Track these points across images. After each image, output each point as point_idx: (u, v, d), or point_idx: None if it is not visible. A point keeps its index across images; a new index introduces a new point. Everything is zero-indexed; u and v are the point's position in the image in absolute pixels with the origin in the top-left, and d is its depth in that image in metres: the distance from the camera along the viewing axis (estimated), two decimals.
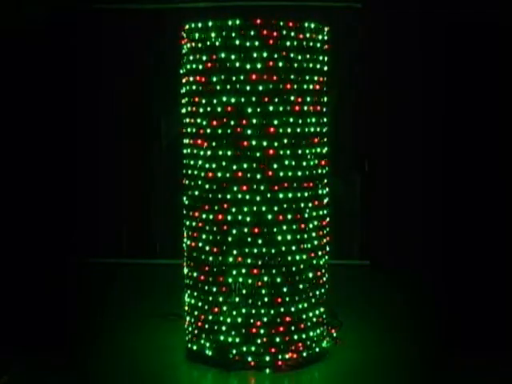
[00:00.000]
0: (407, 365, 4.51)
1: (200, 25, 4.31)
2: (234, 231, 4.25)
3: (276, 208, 4.24)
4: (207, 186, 4.32)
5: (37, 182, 6.85)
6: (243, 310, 4.27)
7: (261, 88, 4.18)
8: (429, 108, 6.80)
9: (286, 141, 4.25)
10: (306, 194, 4.35)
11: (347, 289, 6.05)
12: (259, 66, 4.17)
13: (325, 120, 4.52)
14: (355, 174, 7.19)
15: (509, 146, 6.61)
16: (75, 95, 7.03)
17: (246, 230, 4.24)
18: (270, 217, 4.24)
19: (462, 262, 6.43)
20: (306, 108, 4.33)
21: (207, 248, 4.36)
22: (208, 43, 4.26)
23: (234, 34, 4.17)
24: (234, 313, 4.28)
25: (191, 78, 4.41)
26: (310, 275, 4.40)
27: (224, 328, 4.31)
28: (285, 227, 4.27)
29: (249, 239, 4.24)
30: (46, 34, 6.77)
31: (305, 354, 4.42)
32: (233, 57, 4.18)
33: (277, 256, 4.26)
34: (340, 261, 6.69)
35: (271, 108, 4.20)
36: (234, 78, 4.19)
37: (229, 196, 4.25)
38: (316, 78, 4.38)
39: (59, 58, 6.87)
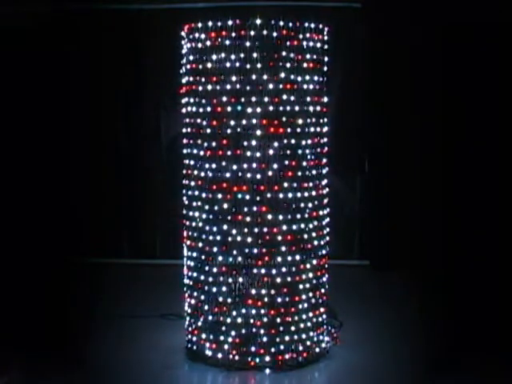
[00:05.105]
0: (407, 365, 4.50)
1: (200, 25, 4.31)
2: (234, 231, 4.26)
3: (276, 208, 4.25)
4: (207, 186, 4.33)
5: (38, 183, 6.84)
6: (243, 310, 4.28)
7: (261, 88, 4.19)
8: (429, 108, 6.80)
9: (286, 141, 4.25)
10: (306, 194, 4.36)
11: (347, 289, 6.05)
12: (259, 65, 4.18)
13: (325, 120, 4.53)
14: (355, 173, 7.20)
15: (509, 147, 6.61)
16: (75, 95, 7.03)
17: (245, 230, 4.25)
18: (269, 217, 4.25)
19: (463, 262, 6.43)
20: (306, 108, 4.33)
21: (207, 248, 4.37)
22: (208, 43, 4.27)
23: (233, 34, 4.18)
24: (234, 313, 4.30)
25: (191, 78, 4.42)
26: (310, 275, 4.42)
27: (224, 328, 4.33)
28: (285, 227, 4.28)
29: (249, 239, 4.24)
30: (46, 34, 6.76)
31: (305, 354, 4.42)
32: (232, 57, 4.19)
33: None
34: (340, 261, 6.69)
35: (271, 108, 4.21)
36: (233, 78, 4.20)
37: (228, 196, 4.25)
38: (316, 78, 4.39)
39: (59, 57, 6.86)
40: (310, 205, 4.38)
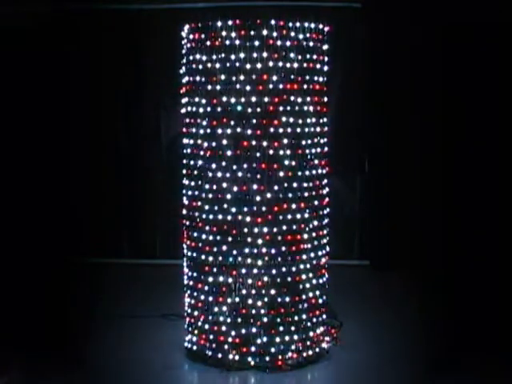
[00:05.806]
0: (407, 365, 4.50)
1: (200, 25, 4.31)
2: (234, 231, 4.26)
3: (276, 208, 4.25)
4: (207, 186, 4.33)
5: (38, 183, 6.84)
6: (243, 311, 4.28)
7: (261, 88, 4.18)
8: (429, 108, 6.79)
9: (286, 141, 4.25)
10: (306, 194, 4.36)
11: (347, 289, 6.05)
12: (259, 66, 4.18)
13: (325, 120, 4.53)
14: (355, 173, 7.19)
15: (509, 147, 6.61)
16: (75, 95, 7.03)
17: (245, 229, 4.25)
18: (269, 217, 4.24)
19: (463, 262, 6.42)
20: (306, 108, 4.33)
21: (207, 248, 4.36)
22: (208, 43, 4.27)
23: (234, 35, 4.18)
24: (234, 313, 4.30)
25: (191, 78, 4.42)
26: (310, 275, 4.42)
27: (224, 328, 4.33)
28: (285, 227, 4.28)
29: (249, 239, 4.24)
30: (46, 34, 6.76)
31: (305, 354, 4.42)
32: (233, 57, 4.19)
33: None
34: (340, 261, 6.69)
35: (271, 108, 4.21)
36: (234, 78, 4.20)
37: (229, 196, 4.26)
38: (316, 78, 4.39)
39: (59, 57, 6.86)
40: (309, 205, 4.38)
